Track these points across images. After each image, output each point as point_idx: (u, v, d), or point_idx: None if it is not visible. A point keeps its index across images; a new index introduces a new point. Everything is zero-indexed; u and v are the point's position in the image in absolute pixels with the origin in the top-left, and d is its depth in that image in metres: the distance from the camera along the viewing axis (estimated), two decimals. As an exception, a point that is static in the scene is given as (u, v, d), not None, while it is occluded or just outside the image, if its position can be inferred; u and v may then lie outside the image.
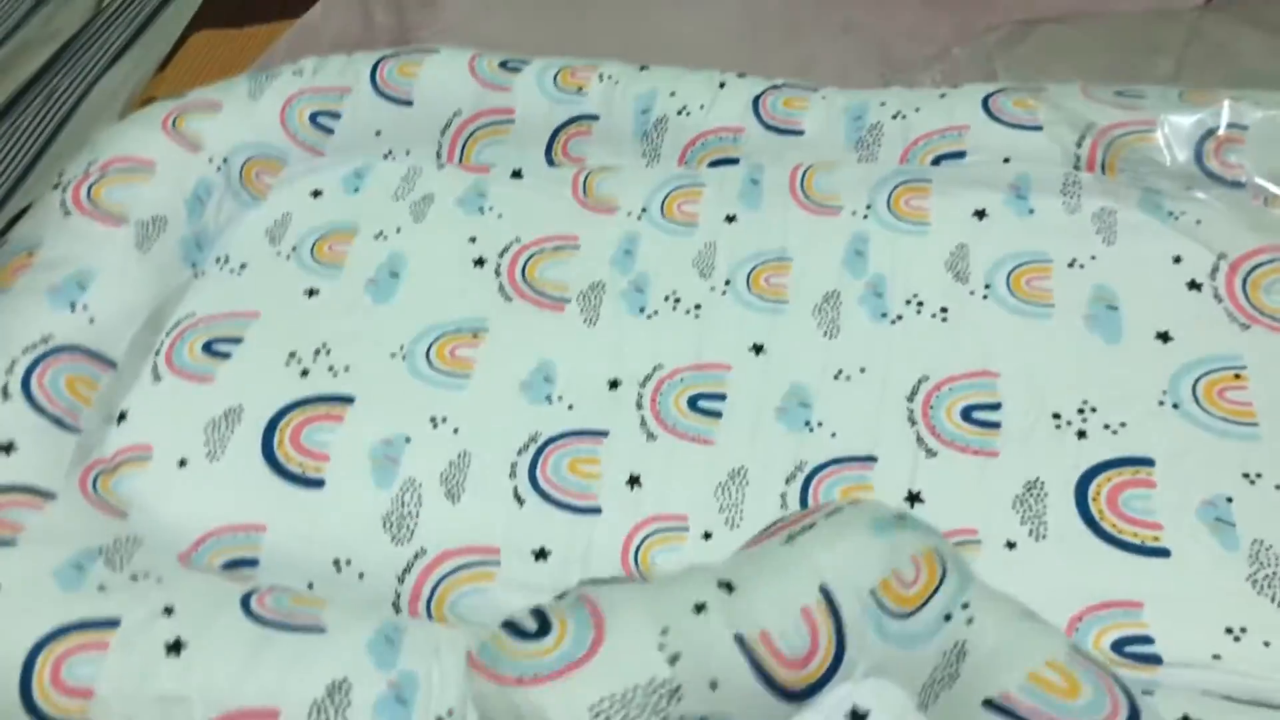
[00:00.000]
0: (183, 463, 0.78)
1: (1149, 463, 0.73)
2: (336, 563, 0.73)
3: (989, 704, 0.54)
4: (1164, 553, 0.68)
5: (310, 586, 0.72)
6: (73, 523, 0.71)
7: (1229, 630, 0.64)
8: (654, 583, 0.61)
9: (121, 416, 0.81)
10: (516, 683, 0.55)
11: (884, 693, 0.59)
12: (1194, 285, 0.82)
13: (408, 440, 0.79)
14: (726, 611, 0.57)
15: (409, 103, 1.01)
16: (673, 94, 0.97)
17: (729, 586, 0.58)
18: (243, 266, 0.93)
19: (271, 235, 0.95)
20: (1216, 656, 0.63)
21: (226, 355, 0.85)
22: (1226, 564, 0.67)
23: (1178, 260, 0.84)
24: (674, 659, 0.55)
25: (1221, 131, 0.88)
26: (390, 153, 1.01)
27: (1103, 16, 1.07)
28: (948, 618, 0.58)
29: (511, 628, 0.58)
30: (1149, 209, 0.87)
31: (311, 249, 0.93)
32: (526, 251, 0.91)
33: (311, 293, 0.89)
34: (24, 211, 0.98)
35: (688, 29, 1.20)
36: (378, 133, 1.01)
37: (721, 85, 0.98)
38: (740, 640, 0.56)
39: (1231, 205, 0.86)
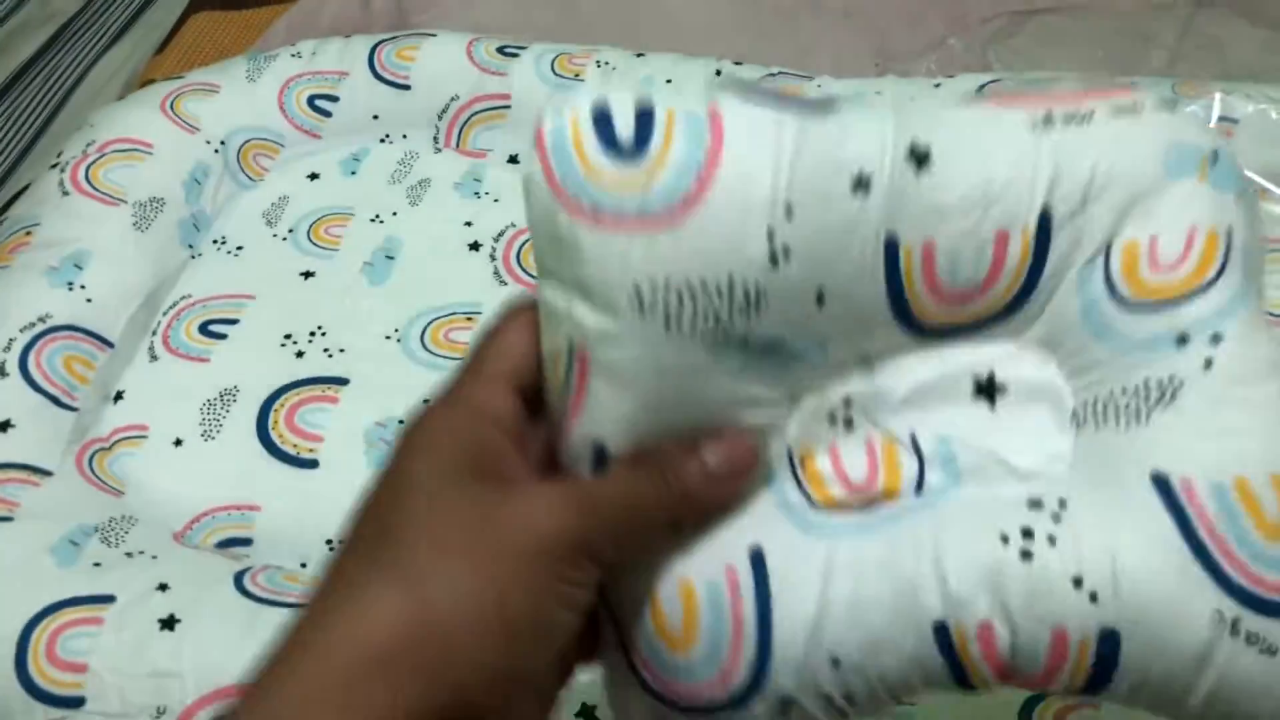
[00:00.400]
0: (178, 442, 0.79)
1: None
2: (330, 543, 0.74)
3: (1158, 481, 0.35)
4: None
5: (303, 566, 0.72)
6: (69, 500, 0.72)
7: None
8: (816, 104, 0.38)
9: (118, 396, 0.82)
10: (576, 213, 0.35)
11: (1041, 380, 0.39)
12: (1182, 277, 0.83)
13: (401, 423, 0.80)
14: (890, 193, 0.37)
15: (406, 87, 1.01)
16: (669, 81, 0.98)
17: (919, 154, 0.37)
18: (239, 248, 0.93)
19: (268, 217, 0.96)
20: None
21: (223, 336, 0.85)
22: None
23: (1166, 252, 0.84)
24: (780, 256, 0.35)
25: (1213, 124, 0.88)
26: (387, 136, 1.02)
27: (1097, 8, 1.08)
28: (1183, 340, 0.36)
29: (604, 121, 0.36)
30: (1139, 200, 0.87)
31: (308, 231, 0.94)
32: (522, 236, 0.92)
33: (307, 275, 0.90)
34: (23, 191, 0.99)
35: (685, 15, 1.21)
36: (375, 116, 1.02)
37: (718, 73, 0.98)
38: (892, 245, 0.37)
39: (1221, 198, 0.86)
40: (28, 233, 0.87)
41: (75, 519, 0.70)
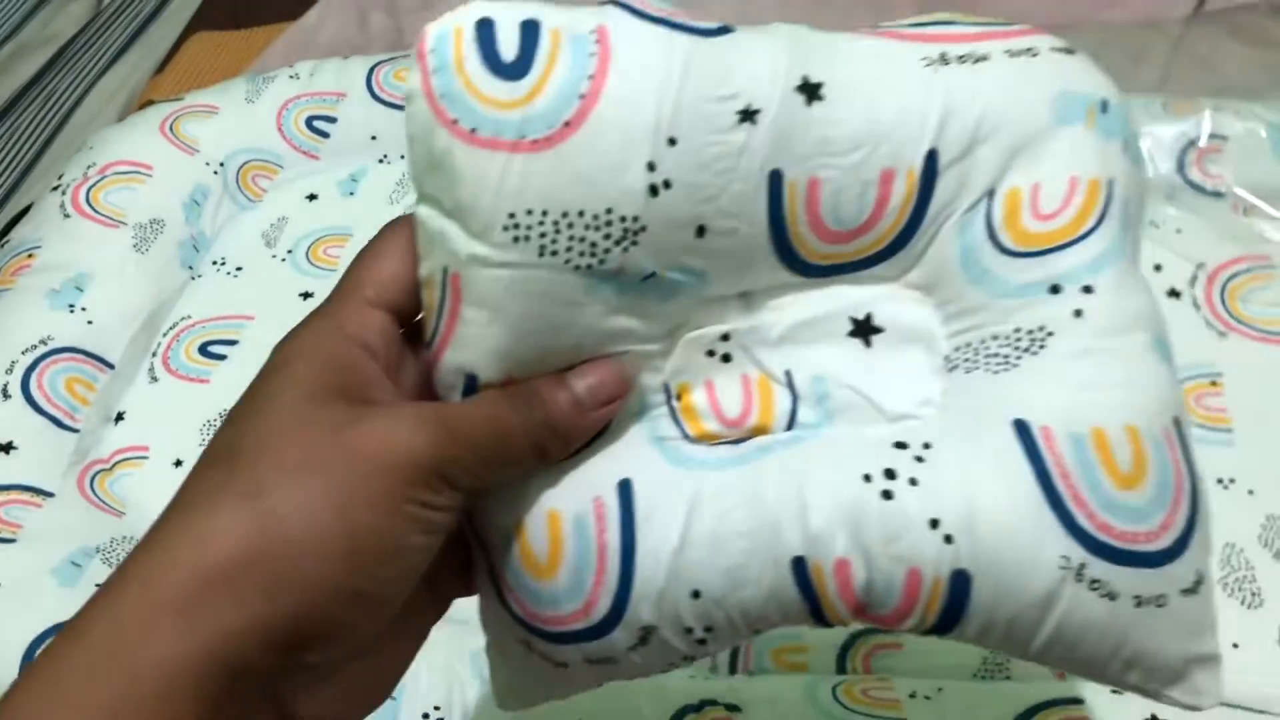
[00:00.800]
0: (178, 463, 0.80)
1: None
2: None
3: (1020, 427, 0.35)
4: (1138, 556, 0.69)
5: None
6: (71, 521, 0.73)
7: (1200, 633, 0.65)
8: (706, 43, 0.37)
9: (119, 417, 0.82)
10: (454, 131, 0.34)
11: (917, 323, 0.39)
12: (1173, 293, 0.84)
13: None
14: (777, 127, 0.36)
15: (404, 107, 1.02)
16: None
17: (810, 87, 0.36)
18: (239, 269, 0.94)
19: (267, 238, 0.96)
20: (1187, 658, 0.64)
21: (222, 357, 0.86)
22: (1199, 568, 0.68)
23: (1158, 269, 0.85)
24: (660, 187, 0.35)
25: (1203, 142, 0.89)
26: (385, 157, 1.03)
27: (1090, 27, 1.08)
28: (1055, 289, 0.36)
29: (487, 36, 0.35)
30: (1130, 218, 0.88)
31: (307, 252, 0.94)
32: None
33: (306, 295, 0.91)
34: (23, 213, 1.00)
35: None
36: (373, 137, 1.03)
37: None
38: (776, 180, 0.36)
39: (1211, 215, 0.87)
40: (30, 255, 0.88)
41: (77, 540, 0.70)
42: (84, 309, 0.84)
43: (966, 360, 0.37)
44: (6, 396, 0.77)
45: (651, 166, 0.35)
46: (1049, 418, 0.35)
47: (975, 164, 0.37)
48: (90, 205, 0.91)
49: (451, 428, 0.33)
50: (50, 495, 0.74)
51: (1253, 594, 0.67)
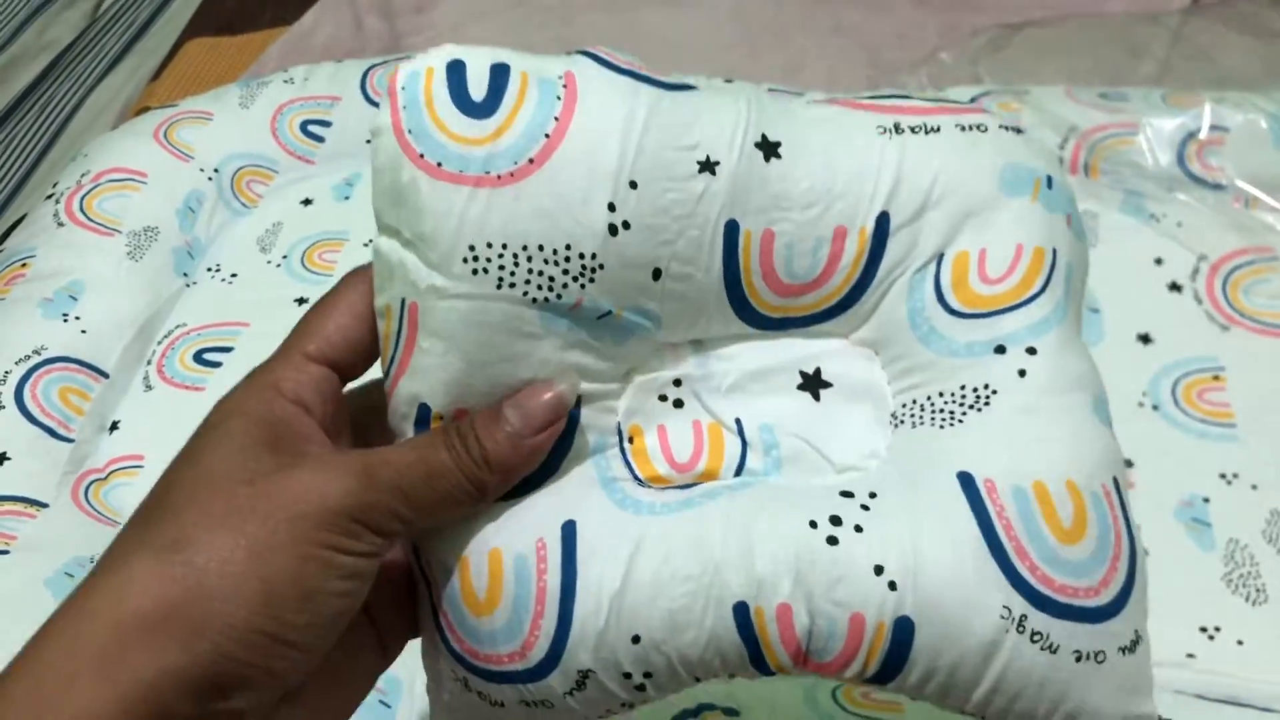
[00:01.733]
0: (174, 471, 0.79)
1: (1128, 464, 0.73)
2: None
3: (964, 480, 0.36)
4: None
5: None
6: (65, 532, 0.72)
7: (1203, 629, 0.64)
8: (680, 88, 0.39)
9: (114, 426, 0.82)
10: (419, 164, 0.35)
11: (865, 379, 0.40)
12: (1175, 287, 0.83)
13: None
14: (735, 178, 0.37)
15: (398, 111, 1.02)
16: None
17: (769, 145, 0.38)
18: (234, 275, 0.93)
19: (262, 244, 0.96)
20: (1190, 655, 0.63)
21: (217, 364, 0.86)
22: (1202, 563, 0.68)
23: (1159, 262, 0.85)
24: (620, 227, 0.36)
25: (1203, 134, 0.89)
26: (380, 160, 1.02)
27: (1087, 19, 1.08)
28: (1000, 350, 0.38)
29: (457, 76, 0.36)
30: (1131, 211, 0.88)
31: (302, 257, 0.94)
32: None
33: (301, 301, 0.90)
34: (19, 222, 1.00)
35: (677, 33, 1.21)
36: (368, 141, 1.01)
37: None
38: (732, 230, 0.37)
39: (1213, 207, 0.86)
40: (23, 264, 0.88)
41: (71, 551, 0.70)
42: (78, 318, 0.83)
43: (913, 415, 0.39)
44: (0, 407, 0.77)
45: (612, 207, 0.36)
46: (992, 471, 0.36)
47: (925, 228, 0.39)
48: (84, 213, 0.90)
49: (371, 474, 0.34)
50: (44, 506, 0.74)
51: (1257, 590, 0.66)
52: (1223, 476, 0.72)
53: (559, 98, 0.36)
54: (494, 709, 0.37)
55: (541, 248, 0.35)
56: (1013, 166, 0.40)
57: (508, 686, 0.36)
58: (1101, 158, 0.90)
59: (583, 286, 0.36)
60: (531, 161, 0.35)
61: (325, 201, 0.99)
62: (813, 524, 0.36)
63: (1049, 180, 0.40)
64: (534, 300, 0.35)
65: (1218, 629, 0.64)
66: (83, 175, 0.94)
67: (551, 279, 0.35)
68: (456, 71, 0.36)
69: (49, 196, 0.94)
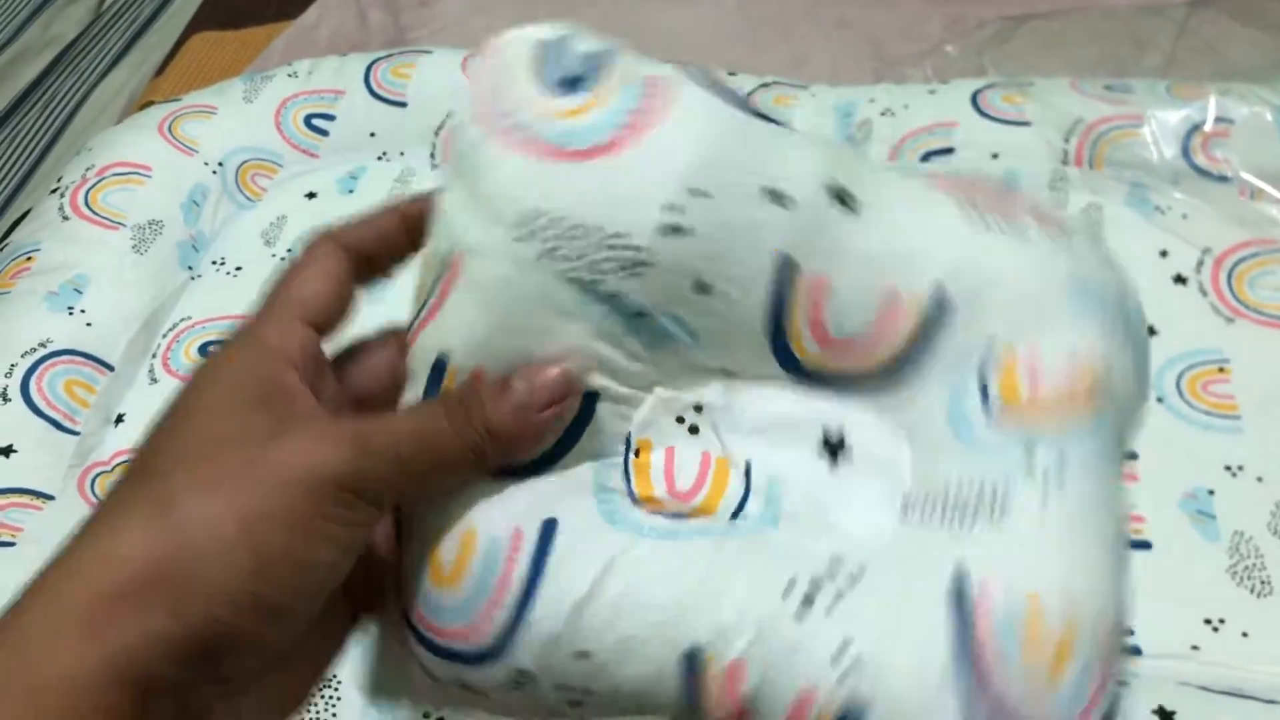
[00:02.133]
0: (180, 464, 0.79)
1: (1133, 456, 0.73)
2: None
3: (956, 582, 0.35)
4: (1145, 545, 0.69)
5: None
6: (71, 524, 0.72)
7: (1208, 621, 0.64)
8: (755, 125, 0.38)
9: (119, 419, 0.82)
10: (494, 125, 0.35)
11: (887, 458, 0.38)
12: (1180, 279, 0.83)
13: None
14: (805, 218, 0.36)
15: (403, 104, 1.02)
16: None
17: (844, 194, 0.37)
18: (238, 269, 0.94)
19: (267, 237, 0.96)
20: (1195, 648, 0.63)
21: (222, 357, 0.86)
22: (1207, 556, 0.68)
23: (1164, 254, 0.85)
24: (677, 229, 0.35)
25: (1208, 126, 0.89)
26: (384, 154, 1.02)
27: (1092, 12, 1.07)
28: (1030, 460, 0.37)
29: (557, 51, 0.37)
30: (1135, 204, 0.88)
31: (306, 251, 0.94)
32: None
33: (306, 294, 0.90)
34: (24, 216, 1.00)
35: (681, 26, 1.21)
36: (372, 134, 1.02)
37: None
38: (787, 266, 0.37)
39: (1217, 200, 0.86)
40: (28, 258, 0.88)
41: (77, 543, 0.70)
42: (83, 311, 0.84)
43: (925, 508, 0.37)
44: (6, 400, 0.77)
45: (674, 208, 0.35)
46: (988, 579, 0.35)
47: (985, 320, 0.38)
48: (89, 207, 0.90)
49: (367, 442, 0.33)
50: (51, 498, 0.74)
51: (1262, 582, 0.66)
52: (1227, 468, 0.72)
53: (650, 95, 0.36)
54: (431, 683, 0.37)
55: (593, 230, 0.35)
56: (1085, 281, 0.38)
57: (446, 663, 0.36)
58: (1106, 150, 0.89)
59: (624, 279, 0.35)
60: (607, 145, 0.35)
61: (329, 195, 0.99)
62: (789, 587, 0.35)
63: (1117, 298, 0.39)
64: (575, 279, 0.35)
65: (1222, 621, 0.64)
66: (87, 169, 0.94)
67: (596, 262, 0.35)
68: (557, 46, 0.36)
69: (54, 191, 0.94)
